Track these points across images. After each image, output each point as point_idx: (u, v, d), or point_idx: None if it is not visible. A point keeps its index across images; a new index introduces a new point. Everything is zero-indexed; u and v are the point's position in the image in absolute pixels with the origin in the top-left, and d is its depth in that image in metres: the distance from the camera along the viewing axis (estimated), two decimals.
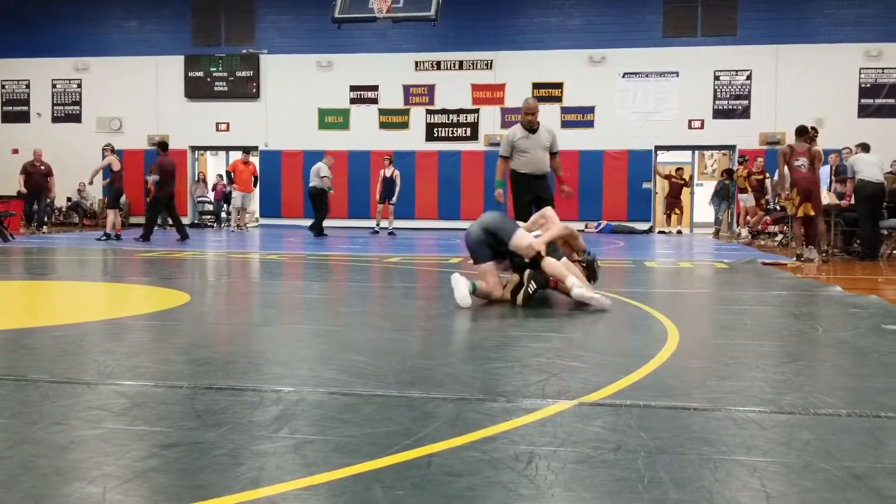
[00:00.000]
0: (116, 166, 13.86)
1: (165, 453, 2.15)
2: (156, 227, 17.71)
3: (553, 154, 7.76)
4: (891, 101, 18.69)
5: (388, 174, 17.02)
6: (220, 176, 21.22)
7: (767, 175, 15.83)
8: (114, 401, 2.71)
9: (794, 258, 10.22)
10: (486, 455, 2.15)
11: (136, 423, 2.46)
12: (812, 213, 10.22)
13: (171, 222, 19.43)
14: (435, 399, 2.75)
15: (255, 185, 18.61)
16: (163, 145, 14.21)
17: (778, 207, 14.53)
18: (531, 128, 7.59)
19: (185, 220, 20.71)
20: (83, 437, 2.29)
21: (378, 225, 17.49)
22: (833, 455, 2.18)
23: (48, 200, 17.42)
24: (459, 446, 2.22)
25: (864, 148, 11.46)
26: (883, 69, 18.67)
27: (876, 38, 18.61)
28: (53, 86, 21.44)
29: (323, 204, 16.07)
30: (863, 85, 18.76)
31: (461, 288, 5.25)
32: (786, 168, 10.35)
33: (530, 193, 7.59)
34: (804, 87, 18.63)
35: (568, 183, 8.11)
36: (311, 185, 15.97)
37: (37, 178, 16.12)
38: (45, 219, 17.24)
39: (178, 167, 20.70)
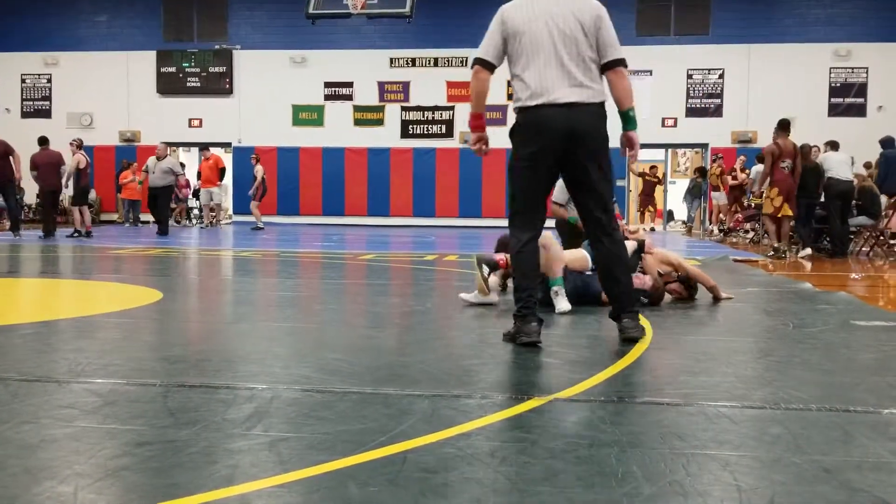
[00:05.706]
0: (83, 164, 13.68)
1: (138, 452, 2.13)
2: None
3: None
4: (860, 100, 18.97)
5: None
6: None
7: (748, 172, 15.85)
8: (85, 399, 2.68)
9: (772, 253, 10.33)
10: (462, 451, 2.15)
11: (108, 421, 2.43)
12: (791, 213, 10.36)
13: (132, 218, 19.25)
14: (410, 396, 2.75)
15: (220, 179, 18.33)
16: (41, 140, 13.70)
17: (752, 205, 14.68)
18: None
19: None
20: (54, 436, 2.26)
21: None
22: (803, 449, 2.21)
23: (17, 192, 13.78)
24: (434, 442, 2.22)
25: (833, 146, 11.61)
26: (852, 69, 18.95)
27: (845, 38, 18.88)
28: (23, 81, 21.11)
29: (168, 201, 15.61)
30: (832, 84, 19.03)
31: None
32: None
33: None
34: (775, 86, 18.84)
35: None
36: (160, 183, 14.70)
37: None
38: (20, 216, 13.78)
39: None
